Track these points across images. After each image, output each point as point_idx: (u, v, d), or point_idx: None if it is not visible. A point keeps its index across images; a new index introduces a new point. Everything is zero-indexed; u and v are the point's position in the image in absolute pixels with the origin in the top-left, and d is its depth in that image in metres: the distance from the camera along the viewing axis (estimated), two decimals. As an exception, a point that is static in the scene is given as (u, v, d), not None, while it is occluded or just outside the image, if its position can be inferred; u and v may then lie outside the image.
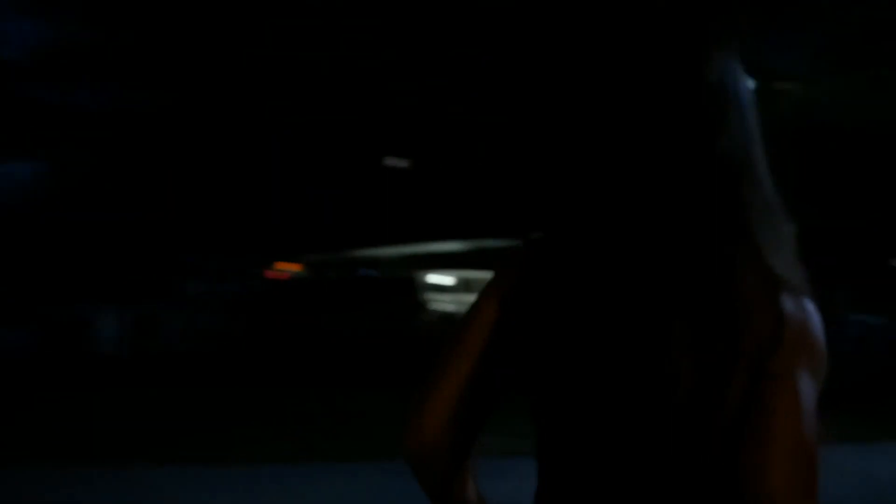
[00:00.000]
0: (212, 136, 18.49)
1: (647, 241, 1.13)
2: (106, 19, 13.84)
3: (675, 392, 1.10)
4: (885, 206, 16.33)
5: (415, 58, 11.92)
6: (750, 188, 1.15)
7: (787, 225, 1.18)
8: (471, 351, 1.29)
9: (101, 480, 6.85)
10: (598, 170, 1.17)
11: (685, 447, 1.12)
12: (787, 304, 1.13)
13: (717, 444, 1.11)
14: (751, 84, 1.14)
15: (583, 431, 1.19)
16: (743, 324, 1.10)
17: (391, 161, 24.74)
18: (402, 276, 19.10)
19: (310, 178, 22.53)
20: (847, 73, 10.26)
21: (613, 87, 1.13)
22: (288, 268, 28.99)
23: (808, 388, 1.12)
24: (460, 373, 1.28)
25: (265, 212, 23.52)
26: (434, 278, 17.97)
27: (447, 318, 17.17)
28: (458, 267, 19.70)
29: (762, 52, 11.74)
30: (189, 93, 16.08)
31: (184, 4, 13.20)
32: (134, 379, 13.11)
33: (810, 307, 1.16)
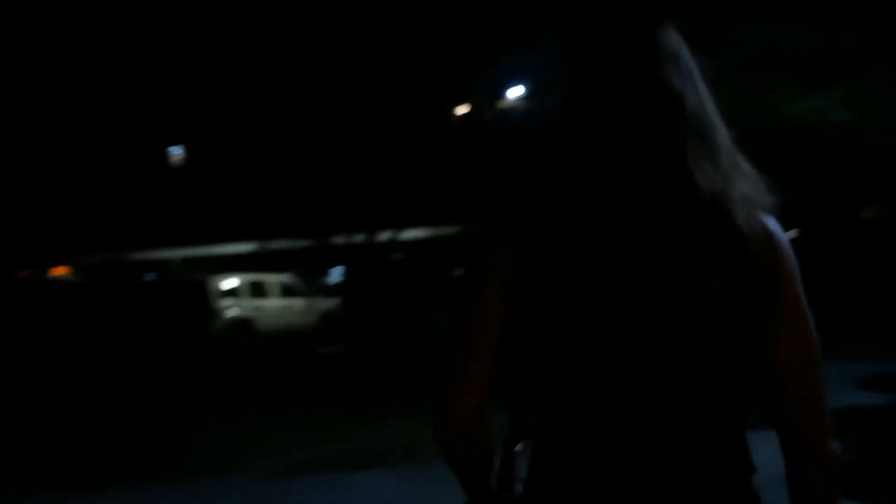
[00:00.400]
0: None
1: (648, 189, 1.30)
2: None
3: (705, 304, 1.26)
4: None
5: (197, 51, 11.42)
6: (714, 132, 1.36)
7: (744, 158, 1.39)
8: (490, 335, 1.34)
9: None
10: (594, 135, 1.34)
11: (712, 352, 1.28)
12: (771, 225, 1.34)
13: (739, 346, 1.30)
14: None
15: (627, 354, 1.28)
16: (741, 244, 1.28)
17: (173, 157, 23.53)
18: (189, 280, 18.35)
19: (83, 176, 20.92)
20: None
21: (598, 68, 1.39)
22: (54, 271, 26.74)
23: (801, 289, 1.34)
24: (486, 359, 1.34)
25: (29, 211, 21.57)
26: (223, 282, 17.36)
27: (238, 323, 16.72)
28: (247, 270, 19.22)
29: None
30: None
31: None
32: None
33: (777, 224, 1.37)
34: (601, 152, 1.33)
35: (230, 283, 17.38)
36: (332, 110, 14.89)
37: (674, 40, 1.40)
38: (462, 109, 19.14)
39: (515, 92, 18.43)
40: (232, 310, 16.88)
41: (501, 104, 19.65)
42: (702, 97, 1.37)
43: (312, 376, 12.30)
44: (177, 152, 23.34)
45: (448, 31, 11.28)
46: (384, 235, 25.37)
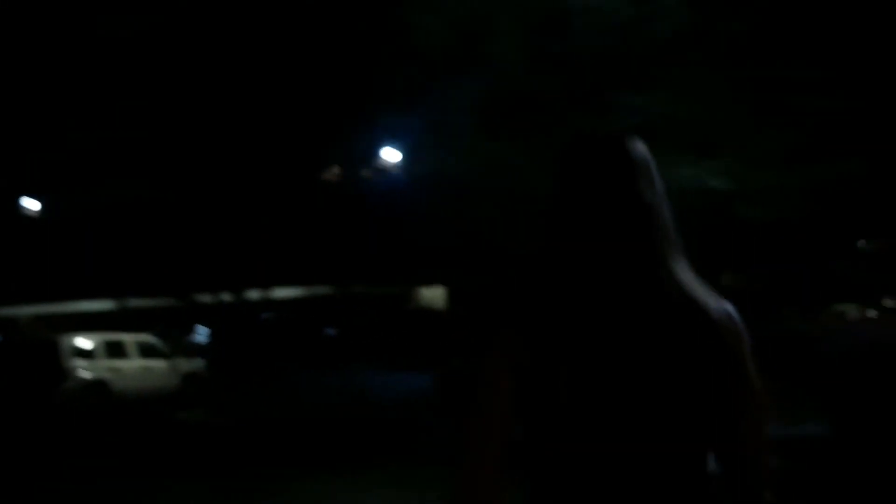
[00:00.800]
0: None
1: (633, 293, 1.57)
2: None
3: (684, 381, 1.53)
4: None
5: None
6: (666, 226, 1.64)
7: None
8: (502, 426, 1.57)
9: None
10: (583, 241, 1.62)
11: (680, 415, 1.53)
12: (730, 309, 1.62)
13: (703, 409, 1.54)
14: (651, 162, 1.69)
15: (621, 422, 1.52)
16: (714, 331, 1.56)
17: (27, 211, 22.31)
18: (40, 339, 17.26)
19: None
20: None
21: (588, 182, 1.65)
22: None
23: (752, 363, 1.61)
24: (496, 449, 1.58)
25: None
26: (77, 341, 16.40)
27: (92, 385, 15.80)
28: (103, 329, 18.25)
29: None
30: None
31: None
32: None
33: (732, 307, 1.64)
34: (594, 262, 1.59)
35: (84, 342, 16.44)
36: (200, 169, 14.54)
37: (643, 154, 1.67)
38: (334, 170, 19.16)
39: (389, 154, 18.63)
40: (85, 371, 15.95)
41: (375, 165, 19.79)
42: (666, 204, 1.65)
43: (170, 445, 11.73)
44: (32, 206, 22.17)
45: (320, 93, 11.35)
46: (254, 294, 24.75)
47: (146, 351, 17.79)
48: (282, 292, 26.32)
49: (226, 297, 23.57)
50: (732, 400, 1.58)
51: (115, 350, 16.80)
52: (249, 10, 10.85)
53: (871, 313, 23.90)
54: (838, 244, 28.06)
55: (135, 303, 24.44)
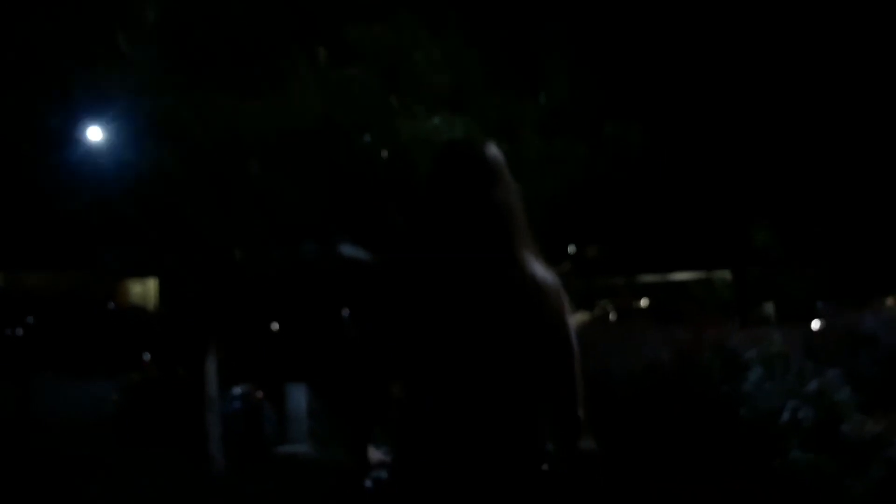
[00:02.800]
0: None
1: (471, 267, 2.00)
2: None
3: (515, 343, 1.98)
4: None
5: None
6: (516, 220, 2.06)
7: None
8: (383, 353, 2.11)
9: None
10: (439, 225, 2.04)
11: (512, 379, 1.98)
12: (553, 279, 2.07)
13: (533, 365, 1.99)
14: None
15: (450, 383, 1.98)
16: (545, 301, 2.02)
17: None
18: None
19: None
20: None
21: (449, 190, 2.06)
22: None
23: (573, 327, 2.09)
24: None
25: None
26: None
27: None
28: None
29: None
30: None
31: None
32: None
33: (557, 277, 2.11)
34: (450, 256, 2.00)
35: None
36: None
37: (497, 159, 2.07)
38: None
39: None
40: None
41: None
42: (518, 200, 2.06)
43: None
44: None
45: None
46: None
47: None
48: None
49: None
50: (556, 344, 2.01)
51: None
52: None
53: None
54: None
55: None
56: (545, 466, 1.99)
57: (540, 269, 2.01)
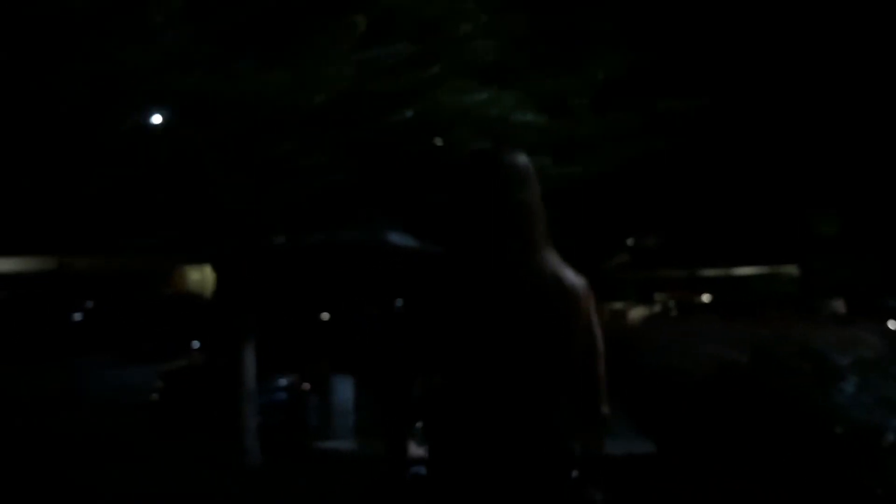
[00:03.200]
0: None
1: (508, 267, 2.09)
2: None
3: (543, 338, 2.06)
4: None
5: None
6: (539, 222, 2.15)
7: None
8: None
9: None
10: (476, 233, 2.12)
11: (545, 371, 2.06)
12: (579, 282, 2.16)
13: (563, 369, 2.07)
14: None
15: (486, 378, 2.05)
16: (568, 302, 2.10)
17: None
18: None
19: None
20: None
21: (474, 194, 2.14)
22: None
23: (599, 328, 2.17)
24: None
25: None
26: None
27: None
28: None
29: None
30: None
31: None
32: None
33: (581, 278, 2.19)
34: (481, 256, 2.09)
35: None
36: None
37: (522, 162, 2.16)
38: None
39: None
40: None
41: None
42: (539, 201, 2.15)
43: None
44: None
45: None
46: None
47: None
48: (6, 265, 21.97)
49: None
50: (582, 343, 2.09)
51: None
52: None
53: (642, 310, 23.46)
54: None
55: None
56: (575, 473, 2.04)
57: (564, 270, 2.12)
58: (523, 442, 1.99)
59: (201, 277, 27.87)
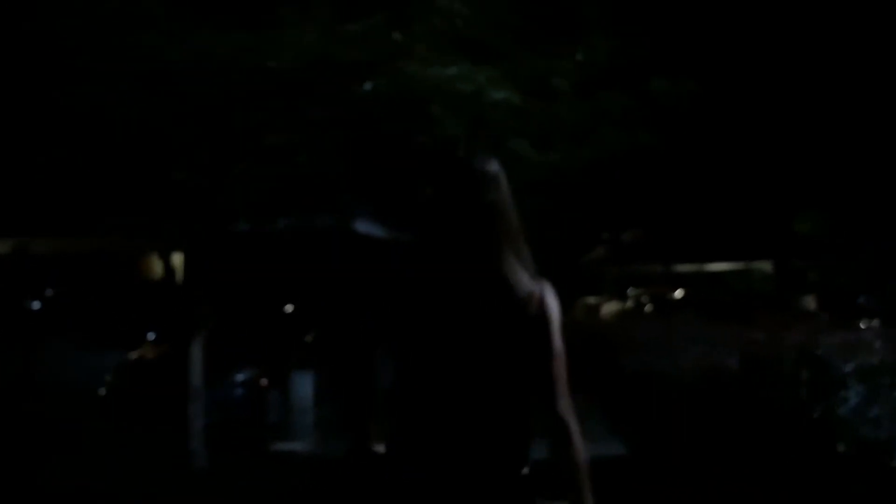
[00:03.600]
0: None
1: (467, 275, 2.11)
2: None
3: (501, 352, 2.06)
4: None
5: None
6: (520, 233, 2.16)
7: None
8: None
9: None
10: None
11: (503, 371, 2.06)
12: (542, 286, 2.14)
13: (522, 369, 2.07)
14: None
15: (444, 373, 2.07)
16: (530, 306, 2.09)
17: None
18: None
19: None
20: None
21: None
22: None
23: (560, 331, 2.12)
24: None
25: None
26: None
27: None
28: None
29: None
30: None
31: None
32: None
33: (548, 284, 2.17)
34: (447, 260, 2.11)
35: None
36: None
37: (493, 167, 2.17)
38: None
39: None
40: None
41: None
42: (509, 206, 2.16)
43: None
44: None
45: None
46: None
47: None
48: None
49: None
50: (542, 345, 2.07)
51: None
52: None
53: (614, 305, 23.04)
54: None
55: None
56: (525, 470, 2.07)
57: (528, 273, 2.14)
58: (477, 436, 2.03)
59: (175, 264, 27.05)
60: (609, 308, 21.89)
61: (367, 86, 5.69)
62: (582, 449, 2.02)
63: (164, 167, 6.62)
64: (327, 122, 6.16)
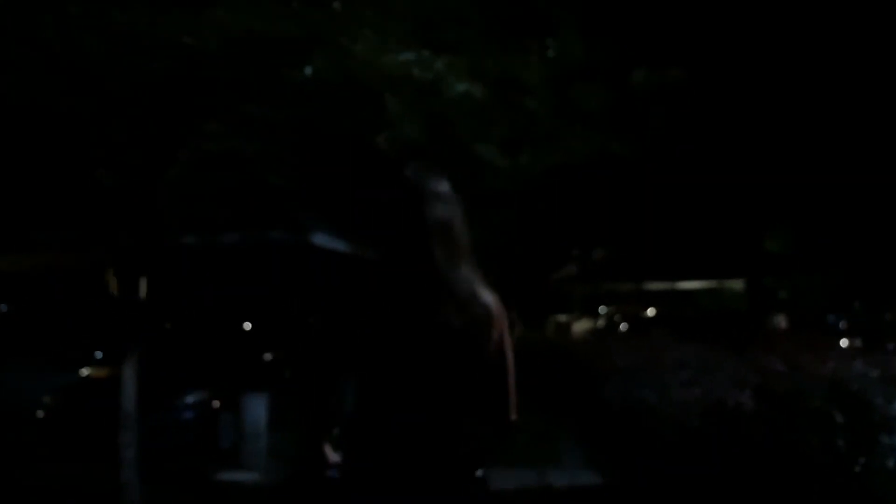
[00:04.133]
0: None
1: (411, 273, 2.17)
2: None
3: (448, 355, 2.11)
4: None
5: None
6: (466, 243, 2.23)
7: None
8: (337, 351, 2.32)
9: None
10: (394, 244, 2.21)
11: (456, 382, 2.12)
12: (492, 298, 2.20)
13: (474, 380, 2.13)
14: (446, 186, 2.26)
15: (401, 383, 2.11)
16: (483, 318, 2.16)
17: None
18: None
19: None
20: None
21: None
22: None
23: (510, 342, 2.21)
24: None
25: None
26: None
27: None
28: None
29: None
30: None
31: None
32: None
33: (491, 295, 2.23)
34: (400, 266, 2.17)
35: None
36: None
37: (445, 186, 2.24)
38: None
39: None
40: None
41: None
42: (461, 223, 2.22)
43: None
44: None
45: None
46: None
47: None
48: None
49: None
50: (494, 357, 2.13)
51: None
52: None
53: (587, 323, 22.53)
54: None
55: None
56: (480, 473, 2.12)
57: (479, 287, 2.19)
58: (431, 448, 2.09)
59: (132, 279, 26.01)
60: (580, 326, 21.35)
61: (308, 70, 5.03)
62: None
63: (90, 172, 5.92)
64: (270, 121, 5.49)
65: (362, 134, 6.03)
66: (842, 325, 21.45)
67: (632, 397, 5.41)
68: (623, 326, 19.66)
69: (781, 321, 23.68)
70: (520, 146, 6.44)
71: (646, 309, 24.07)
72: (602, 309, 25.37)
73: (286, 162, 6.38)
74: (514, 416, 2.16)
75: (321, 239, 10.14)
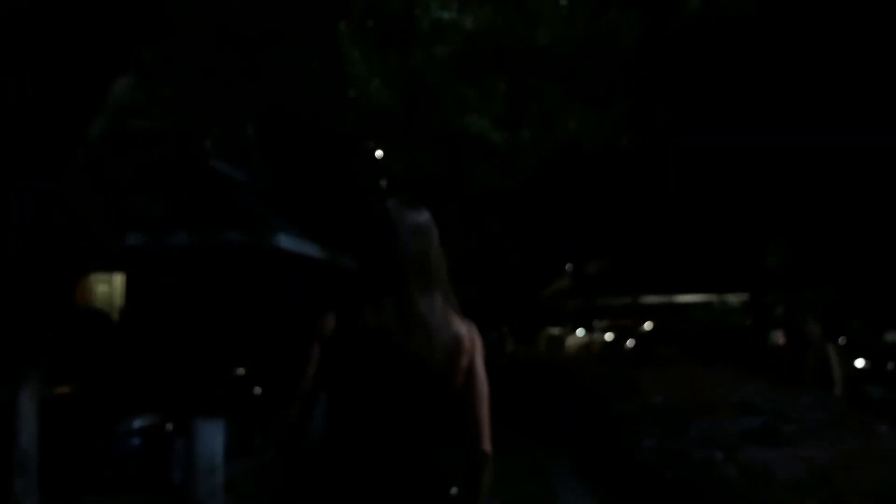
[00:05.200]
0: None
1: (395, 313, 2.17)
2: None
3: (425, 382, 2.14)
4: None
5: None
6: (441, 275, 2.26)
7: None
8: (309, 376, 2.22)
9: None
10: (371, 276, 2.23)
11: (427, 414, 2.15)
12: (464, 328, 2.24)
13: (445, 410, 2.14)
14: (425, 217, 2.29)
15: (372, 410, 2.13)
16: (457, 346, 2.20)
17: None
18: None
19: None
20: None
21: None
22: None
23: (483, 372, 2.22)
24: (305, 389, 2.21)
25: None
26: None
27: None
28: None
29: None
30: None
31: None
32: None
33: (472, 326, 2.27)
34: (376, 293, 2.20)
35: None
36: None
37: (422, 219, 2.28)
38: None
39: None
40: None
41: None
42: (437, 254, 2.27)
43: None
44: None
45: None
46: None
47: None
48: None
49: None
50: (467, 386, 2.16)
51: None
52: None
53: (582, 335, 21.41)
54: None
55: None
56: (454, 491, 2.11)
57: (454, 317, 2.21)
58: (404, 471, 2.08)
59: (109, 290, 24.70)
60: (574, 341, 20.08)
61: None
62: (489, 481, 2.08)
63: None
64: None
65: (327, 112, 4.79)
66: (840, 341, 20.30)
67: (690, 460, 3.91)
68: (629, 343, 18.31)
69: (780, 337, 22.50)
70: (519, 123, 5.18)
71: (642, 323, 22.86)
72: (596, 323, 24.17)
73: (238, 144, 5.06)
74: (486, 447, 2.13)
75: (287, 242, 8.82)
